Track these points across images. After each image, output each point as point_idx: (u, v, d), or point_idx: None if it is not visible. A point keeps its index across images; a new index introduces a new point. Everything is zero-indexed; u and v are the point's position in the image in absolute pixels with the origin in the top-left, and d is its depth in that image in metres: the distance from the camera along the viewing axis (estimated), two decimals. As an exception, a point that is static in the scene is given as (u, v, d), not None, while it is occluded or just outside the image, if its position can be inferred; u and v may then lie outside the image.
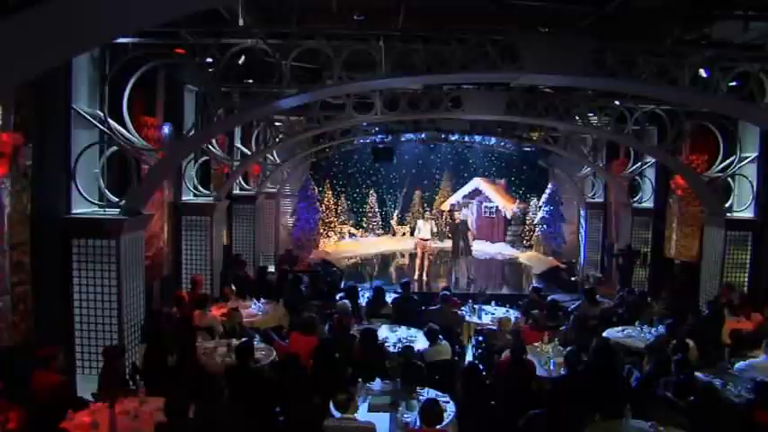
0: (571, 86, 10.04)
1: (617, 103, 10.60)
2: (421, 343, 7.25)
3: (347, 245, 19.02)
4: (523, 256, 18.30)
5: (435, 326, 7.08)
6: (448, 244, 16.30)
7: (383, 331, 7.76)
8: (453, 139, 16.96)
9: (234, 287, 9.76)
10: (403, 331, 7.89)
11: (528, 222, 19.27)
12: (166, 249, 9.03)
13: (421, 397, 5.38)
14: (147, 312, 7.46)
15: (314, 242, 17.55)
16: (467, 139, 17.14)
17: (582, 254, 16.24)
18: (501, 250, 19.19)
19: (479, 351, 7.76)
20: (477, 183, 19.71)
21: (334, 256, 16.88)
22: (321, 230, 18.30)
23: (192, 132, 7.14)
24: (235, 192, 13.42)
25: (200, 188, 10.52)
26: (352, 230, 19.77)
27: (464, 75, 7.07)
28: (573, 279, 14.89)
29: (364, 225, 20.27)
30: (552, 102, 10.73)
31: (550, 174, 18.56)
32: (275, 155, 14.08)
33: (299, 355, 5.96)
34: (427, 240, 14.51)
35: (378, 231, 20.34)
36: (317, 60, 7.42)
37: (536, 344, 7.24)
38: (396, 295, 9.63)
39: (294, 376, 5.60)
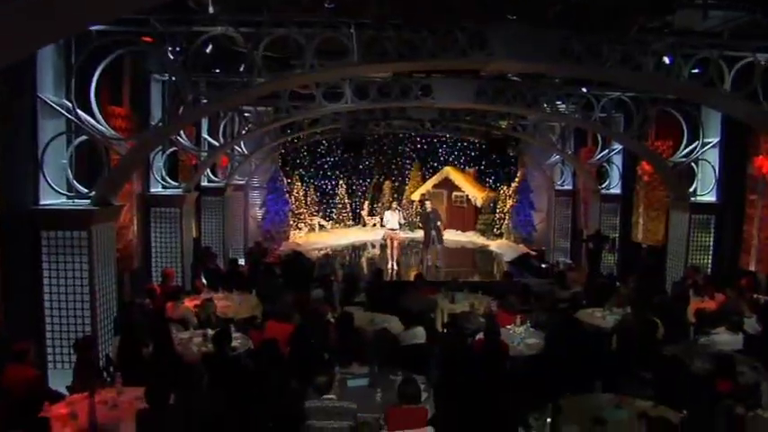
0: (539, 74, 10.36)
1: (584, 90, 10.97)
2: (396, 328, 7.45)
3: (318, 236, 19.06)
4: (494, 244, 18.50)
5: (409, 310, 7.37)
6: (419, 234, 16.44)
7: (358, 318, 7.74)
8: (423, 127, 17.06)
9: (205, 280, 9.86)
10: (379, 318, 8.01)
11: (498, 211, 19.47)
12: (136, 242, 8.99)
13: (398, 378, 5.54)
14: (120, 305, 7.45)
15: (284, 234, 17.54)
16: (437, 129, 17.26)
17: (552, 241, 16.51)
18: (471, 239, 19.38)
19: (453, 334, 7.83)
20: (447, 172, 19.85)
21: (304, 248, 16.88)
22: (291, 222, 18.26)
23: (162, 122, 7.09)
24: (203, 184, 13.39)
25: (169, 180, 10.46)
26: (323, 222, 19.84)
27: (435, 62, 7.22)
28: (544, 266, 15.18)
29: (335, 216, 20.32)
30: (520, 90, 11.04)
31: (520, 162, 18.89)
32: (243, 146, 14.07)
33: (276, 341, 6.06)
34: (396, 230, 14.67)
35: (348, 222, 20.39)
36: (286, 50, 7.46)
37: (509, 326, 7.45)
38: (367, 283, 9.87)
39: (272, 361, 5.71)
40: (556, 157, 15.86)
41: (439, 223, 14.76)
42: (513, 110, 12.16)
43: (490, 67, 7.38)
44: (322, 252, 17.33)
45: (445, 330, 8.49)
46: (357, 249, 18.15)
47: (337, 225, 20.18)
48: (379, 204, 20.45)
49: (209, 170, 13.39)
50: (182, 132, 10.29)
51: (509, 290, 9.01)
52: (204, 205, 13.34)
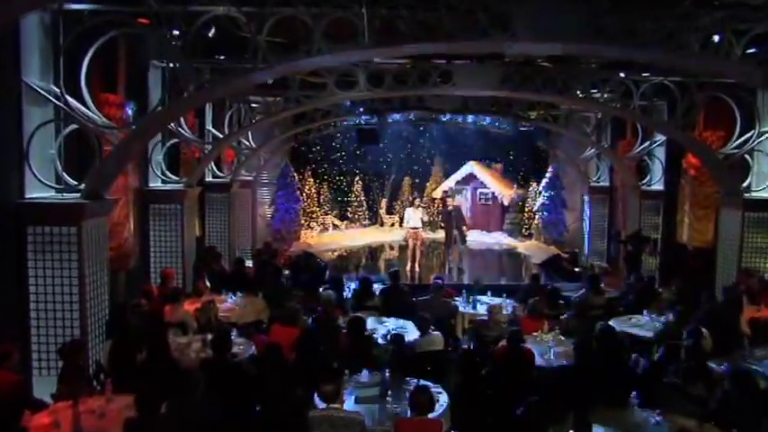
0: (570, 57, 10.10)
1: (622, 75, 10.66)
2: (412, 334, 7.38)
3: (331, 237, 19.08)
4: (522, 246, 18.41)
5: (427, 315, 7.22)
6: (442, 234, 16.34)
7: (370, 323, 7.79)
8: (445, 119, 16.92)
9: (208, 282, 9.85)
10: (392, 323, 7.98)
11: (527, 209, 19.36)
12: (132, 240, 8.99)
13: (410, 387, 5.40)
14: (112, 306, 7.43)
15: (294, 234, 17.57)
16: (460, 119, 17.10)
17: (586, 242, 16.30)
18: (498, 240, 19.30)
19: (472, 342, 7.76)
20: (471, 167, 19.77)
21: (316, 249, 16.91)
22: (302, 221, 18.34)
23: (159, 108, 7.00)
24: (207, 179, 13.47)
25: (169, 174, 10.46)
26: (336, 221, 19.87)
27: (453, 44, 7.06)
28: (576, 269, 14.96)
29: (350, 215, 20.36)
30: (550, 75, 10.79)
31: (551, 156, 18.59)
32: (251, 139, 14.07)
33: (280, 346, 5.99)
34: (418, 229, 14.57)
35: (364, 222, 20.41)
36: (293, 33, 7.37)
37: (535, 333, 7.35)
38: (383, 286, 9.71)
39: (275, 367, 5.64)
40: (591, 151, 15.56)
41: (462, 223, 14.63)
42: (543, 98, 11.92)
43: (514, 49, 7.19)
44: (336, 254, 17.34)
45: (465, 337, 8.46)
46: (374, 251, 18.17)
47: (352, 225, 20.21)
48: (398, 202, 20.31)
49: (213, 165, 13.49)
50: (183, 124, 10.28)
51: (536, 294, 8.86)
52: (208, 202, 13.37)
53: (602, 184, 15.99)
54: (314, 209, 19.25)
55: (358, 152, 20.37)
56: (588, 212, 16.17)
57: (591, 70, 10.83)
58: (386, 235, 19.29)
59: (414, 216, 14.68)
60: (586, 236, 16.31)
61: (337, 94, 10.48)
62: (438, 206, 18.96)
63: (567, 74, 10.77)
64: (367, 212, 20.56)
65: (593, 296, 9.29)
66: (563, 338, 7.28)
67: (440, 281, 9.20)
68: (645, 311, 8.41)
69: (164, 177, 10.40)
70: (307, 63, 7.14)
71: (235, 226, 13.99)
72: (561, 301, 8.92)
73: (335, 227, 19.71)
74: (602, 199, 15.93)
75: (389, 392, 5.55)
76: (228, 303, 9.00)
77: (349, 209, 20.40)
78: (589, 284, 9.94)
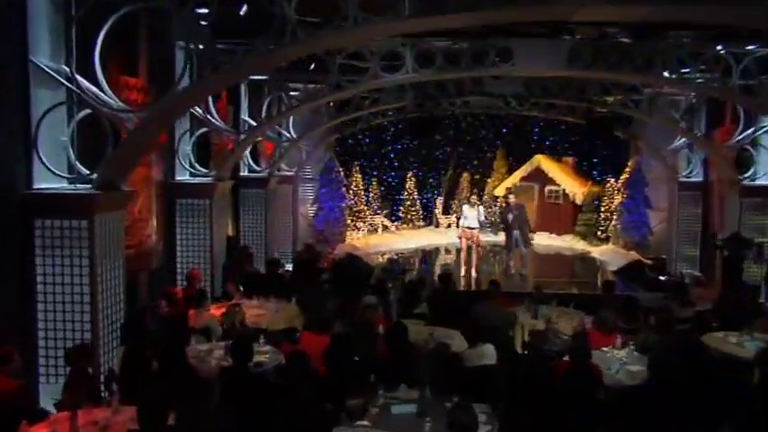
0: (655, 26, 9.50)
1: (719, 48, 9.96)
2: (459, 345, 7.21)
3: (380, 238, 19.06)
4: (597, 251, 18.02)
5: (477, 324, 7.17)
6: (503, 237, 15.94)
7: (415, 332, 7.58)
8: (507, 106, 16.50)
9: (240, 285, 9.89)
10: (440, 333, 7.78)
11: (603, 209, 18.93)
12: (155, 237, 9.08)
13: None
14: (130, 310, 7.48)
15: (339, 235, 17.61)
16: (524, 106, 16.65)
17: (674, 247, 15.83)
18: (569, 243, 19.00)
19: (530, 356, 7.70)
20: (538, 161, 19.53)
21: (363, 252, 16.91)
22: (348, 221, 18.34)
23: (179, 89, 6.91)
24: (242, 174, 13.62)
25: (198, 166, 10.52)
26: (386, 222, 19.84)
27: (508, 12, 6.70)
28: (662, 278, 14.35)
29: (401, 215, 20.34)
30: (628, 50, 10.23)
31: (633, 148, 18.16)
32: (291, 130, 14.12)
33: (307, 355, 5.85)
34: (474, 230, 14.31)
35: (418, 223, 20.36)
36: (328, 11, 7.11)
37: (605, 348, 7.13)
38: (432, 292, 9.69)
39: (299, 378, 5.50)
40: (680, 141, 14.99)
41: (525, 223, 14.41)
42: (619, 78, 11.39)
43: (581, 13, 6.78)
44: (385, 257, 17.26)
45: (526, 352, 8.27)
46: (428, 254, 18.11)
47: (405, 225, 20.19)
48: (455, 201, 20.17)
49: (249, 159, 13.62)
50: (213, 112, 10.31)
51: (608, 304, 8.58)
52: (243, 199, 13.57)
53: (693, 179, 15.54)
54: (361, 208, 19.28)
55: (411, 145, 20.40)
56: (677, 212, 15.74)
57: (680, 43, 10.15)
58: (442, 237, 19.08)
59: (470, 214, 14.43)
60: (675, 240, 15.86)
61: (381, 77, 10.31)
62: (501, 205, 18.50)
63: (648, 49, 10.16)
64: (421, 212, 20.53)
65: (678, 308, 8.93)
66: (638, 355, 7.01)
67: (496, 286, 9.16)
68: (744, 328, 7.99)
69: (191, 170, 10.46)
70: (340, 37, 6.92)
71: (273, 225, 14.16)
72: (640, 314, 8.56)
73: (385, 228, 19.72)
74: (693, 196, 15.52)
75: (428, 411, 5.34)
76: (258, 308, 9.01)
77: (401, 208, 20.38)
78: (675, 294, 9.67)
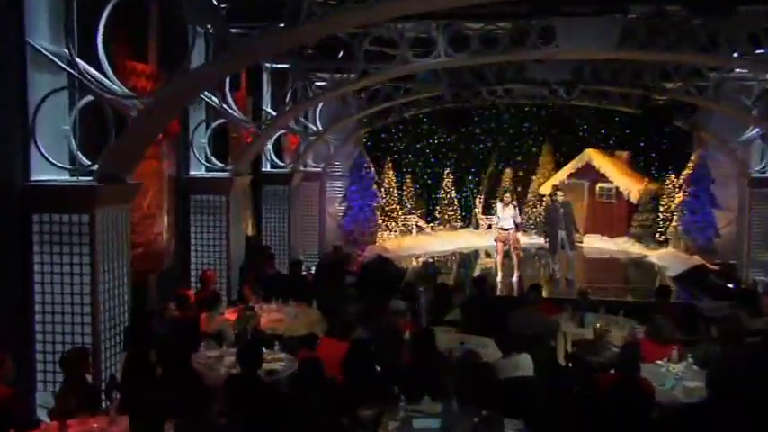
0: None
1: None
2: (492, 354, 7.09)
3: (414, 240, 19.04)
4: (655, 255, 17.67)
5: (513, 332, 7.04)
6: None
7: (446, 340, 7.65)
8: (554, 95, 16.16)
9: (259, 287, 9.91)
10: (473, 341, 7.75)
11: (662, 209, 18.58)
12: (167, 236, 9.11)
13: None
14: (138, 313, 7.49)
15: (370, 236, 17.63)
16: (573, 95, 16.27)
17: (745, 251, 15.43)
18: (623, 247, 18.73)
19: (573, 368, 7.48)
20: (588, 156, 19.28)
21: (395, 254, 16.93)
22: (379, 222, 18.38)
23: (189, 71, 6.76)
24: (264, 169, 13.73)
25: (215, 160, 10.56)
26: (421, 222, 19.79)
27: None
28: (730, 286, 13.89)
29: (438, 215, 20.29)
30: (690, 28, 9.82)
31: (696, 140, 17.87)
32: (318, 122, 14.15)
33: (320, 361, 5.84)
34: (509, 230, 14.10)
35: (455, 223, 20.28)
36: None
37: (659, 361, 6.97)
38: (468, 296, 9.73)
39: (312, 386, 5.47)
40: (752, 132, 14.57)
41: (572, 223, 14.17)
42: (680, 59, 11.03)
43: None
44: (420, 260, 17.33)
45: (569, 364, 8.02)
46: (466, 258, 18.01)
47: (441, 227, 20.14)
48: (496, 200, 19.82)
49: (272, 153, 13.73)
50: (231, 102, 10.35)
51: (663, 312, 8.27)
52: (265, 196, 13.71)
53: (768, 174, 15.20)
54: (394, 207, 19.24)
55: (448, 140, 20.36)
56: (748, 213, 15.35)
57: (751, 19, 9.65)
58: (481, 239, 18.95)
59: (505, 214, 14.20)
60: (745, 243, 15.43)
61: (411, 62, 10.17)
62: (547, 205, 18.12)
63: (714, 26, 9.75)
64: (459, 212, 20.46)
65: (747, 318, 8.67)
66: (698, 369, 6.78)
67: (536, 290, 9.08)
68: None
69: (207, 164, 10.48)
70: (359, 15, 6.73)
71: (297, 225, 14.24)
72: (701, 324, 8.36)
73: (420, 229, 19.69)
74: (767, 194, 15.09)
75: (454, 426, 5.24)
76: (276, 313, 9.05)
77: (437, 207, 20.33)
78: (743, 303, 9.38)
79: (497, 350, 7.06)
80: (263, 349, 6.94)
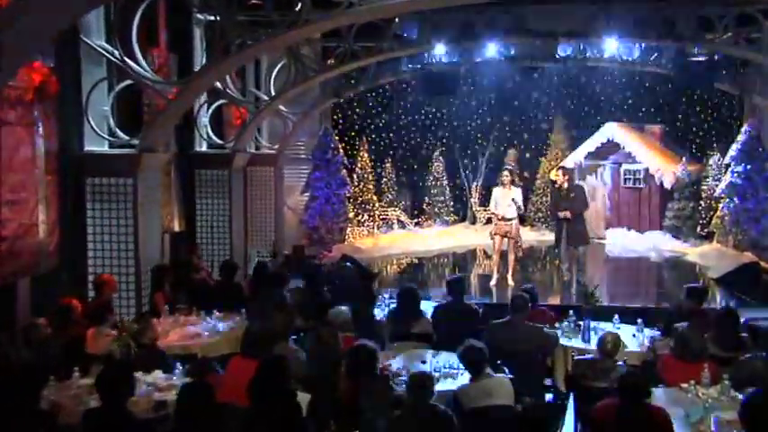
0: None
1: None
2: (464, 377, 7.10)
3: (396, 238, 18.99)
4: (696, 252, 17.55)
5: (479, 345, 6.74)
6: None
7: (410, 359, 7.74)
8: (566, 55, 15.77)
9: (181, 296, 10.15)
10: (444, 359, 7.73)
11: (704, 195, 18.64)
12: (45, 229, 8.83)
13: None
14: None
15: (339, 234, 17.60)
16: (589, 54, 16.14)
17: None
18: (656, 243, 18.65)
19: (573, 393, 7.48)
20: (611, 131, 19.24)
21: (370, 254, 16.98)
22: (351, 215, 18.32)
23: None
24: (199, 149, 13.85)
25: (121, 133, 10.31)
26: (404, 216, 19.81)
27: None
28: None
29: (425, 207, 20.38)
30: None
31: (747, 107, 17.76)
32: (272, 89, 14.29)
33: (210, 388, 5.61)
34: (511, 221, 13.63)
35: (447, 217, 20.35)
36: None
37: (685, 384, 6.78)
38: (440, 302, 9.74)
39: (197, 420, 5.36)
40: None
41: (582, 209, 13.81)
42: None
43: None
44: (403, 262, 17.39)
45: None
46: (461, 259, 18.08)
47: (429, 222, 20.18)
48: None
49: (209, 129, 13.89)
50: (140, 58, 10.25)
51: (692, 319, 8.07)
52: (199, 183, 13.74)
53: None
54: (369, 197, 19.19)
55: (438, 114, 20.48)
56: None
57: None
58: (480, 236, 18.62)
59: (503, 200, 13.70)
60: None
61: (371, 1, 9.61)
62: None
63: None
64: (451, 203, 20.56)
65: None
66: (737, 395, 6.47)
67: (527, 294, 8.73)
68: None
69: (111, 138, 10.26)
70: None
71: (240, 219, 14.21)
72: (741, 335, 8.12)
73: (402, 224, 19.66)
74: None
75: None
76: (195, 327, 9.00)
77: (424, 198, 20.39)
78: None
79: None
80: (160, 375, 6.93)
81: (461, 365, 7.22)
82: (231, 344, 8.49)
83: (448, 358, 7.60)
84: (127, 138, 10.34)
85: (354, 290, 10.65)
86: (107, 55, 9.58)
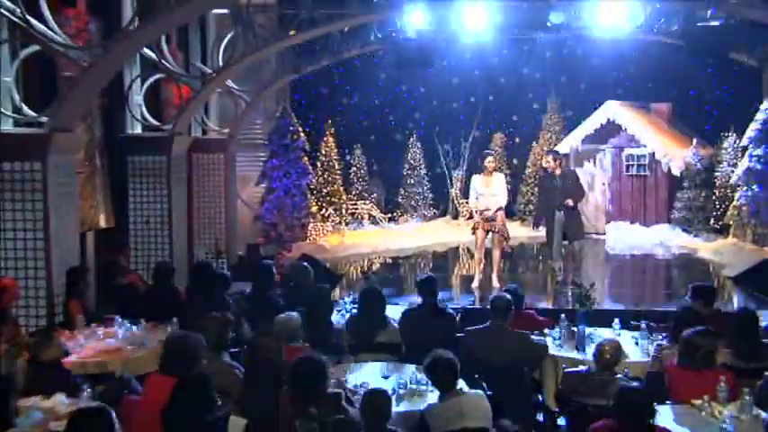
0: None
1: None
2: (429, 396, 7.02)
3: (366, 235, 19.09)
4: (709, 248, 17.51)
5: (447, 355, 6.59)
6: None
7: (368, 374, 7.65)
8: (558, 25, 15.50)
9: (88, 302, 10.12)
10: (411, 373, 7.58)
11: (719, 183, 18.66)
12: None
13: None
14: None
15: (300, 231, 17.51)
16: (586, 22, 15.84)
17: None
18: (663, 237, 18.71)
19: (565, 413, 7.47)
20: (611, 111, 19.32)
21: (335, 254, 17.07)
22: (314, 209, 18.27)
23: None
24: (131, 131, 13.57)
25: (27, 109, 10.01)
26: (376, 210, 19.95)
27: None
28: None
29: (400, 200, 20.56)
30: None
31: (766, 81, 17.63)
32: (218, 59, 14.30)
33: (107, 413, 5.29)
34: (496, 212, 13.34)
35: (425, 211, 20.52)
36: None
37: (697, 401, 6.64)
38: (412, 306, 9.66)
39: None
40: None
41: (577, 197, 13.64)
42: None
43: None
44: (375, 262, 17.24)
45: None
46: (441, 258, 18.13)
47: (405, 216, 20.37)
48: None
49: (143, 108, 13.69)
50: (49, 16, 9.93)
51: (704, 323, 7.73)
52: (132, 171, 13.43)
53: None
54: (336, 189, 19.27)
55: (416, 93, 20.54)
56: None
57: None
58: (462, 232, 18.27)
59: (485, 188, 13.36)
60: None
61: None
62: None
63: None
64: (430, 196, 20.69)
65: None
66: (761, 414, 6.42)
67: (510, 294, 8.55)
68: None
69: (16, 116, 9.91)
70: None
71: (184, 214, 14.03)
72: (765, 341, 8.05)
73: (373, 219, 19.74)
74: None
75: None
76: (115, 340, 8.80)
77: (399, 189, 20.48)
78: None
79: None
80: (62, 399, 6.69)
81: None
82: (150, 360, 8.19)
83: (416, 372, 7.44)
84: (35, 115, 10.01)
85: (310, 293, 10.27)
86: (6, 13, 8.84)
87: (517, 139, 20.67)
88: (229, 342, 7.76)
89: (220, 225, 15.76)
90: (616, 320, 9.12)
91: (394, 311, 9.58)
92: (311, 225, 17.96)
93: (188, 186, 14.27)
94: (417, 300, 9.92)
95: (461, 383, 6.68)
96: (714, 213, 18.44)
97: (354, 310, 9.52)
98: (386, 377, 7.35)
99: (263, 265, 11.57)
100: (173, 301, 10.04)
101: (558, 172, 13.66)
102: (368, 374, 7.54)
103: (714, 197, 18.53)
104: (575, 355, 8.43)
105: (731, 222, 17.75)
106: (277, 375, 6.81)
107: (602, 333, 8.79)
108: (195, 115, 14.67)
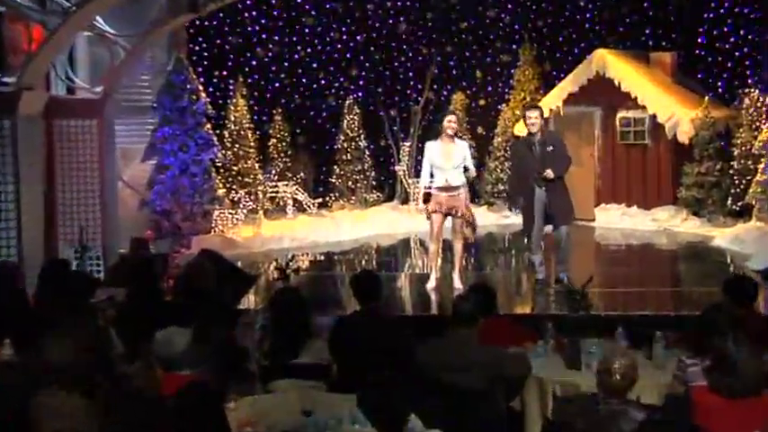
0: None
1: None
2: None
3: (290, 225, 19.27)
4: (727, 235, 17.47)
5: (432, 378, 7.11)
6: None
7: (285, 407, 7.32)
8: None
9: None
10: (343, 406, 7.09)
11: (737, 154, 18.69)
12: None
13: None
14: None
15: (203, 220, 17.60)
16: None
17: None
18: (668, 223, 18.99)
19: None
20: (601, 63, 19.40)
21: (250, 250, 17.27)
22: (222, 192, 18.36)
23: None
24: None
25: None
26: (301, 194, 20.17)
27: None
28: None
29: (334, 180, 20.94)
30: None
31: None
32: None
33: None
34: (455, 191, 12.94)
35: (366, 194, 20.90)
36: None
37: None
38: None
39: None
40: None
41: (560, 169, 13.23)
42: None
43: None
44: (302, 260, 16.90)
45: None
46: (386, 253, 18.25)
47: (340, 201, 20.79)
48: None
49: None
50: None
51: (734, 327, 7.51)
52: None
53: None
54: (250, 166, 19.49)
55: (352, 43, 20.81)
56: None
57: None
58: (413, 219, 18.95)
59: (444, 160, 12.90)
60: None
61: None
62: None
63: None
64: (372, 174, 20.99)
65: None
66: None
67: (478, 295, 8.48)
68: None
69: None
70: None
71: (40, 197, 14.00)
72: None
73: (299, 206, 20.05)
74: None
75: None
76: None
77: (333, 168, 20.77)
78: None
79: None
80: None
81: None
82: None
83: (351, 405, 6.86)
84: None
85: (208, 302, 10.06)
86: None
87: (482, 102, 20.96)
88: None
89: (93, 214, 15.29)
90: (620, 329, 8.78)
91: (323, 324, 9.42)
92: (217, 213, 17.88)
93: (48, 162, 14.19)
94: (354, 306, 9.83)
95: (413, 419, 6.17)
96: (732, 191, 18.41)
97: (265, 322, 9.18)
98: (307, 413, 6.99)
99: (142, 259, 11.24)
100: (14, 311, 9.41)
101: (538, 137, 13.26)
102: (281, 410, 7.04)
103: (732, 171, 18.45)
104: (567, 375, 8.19)
105: (754, 202, 17.71)
106: (151, 412, 6.24)
107: (600, 346, 8.50)
108: (56, 67, 14.42)
